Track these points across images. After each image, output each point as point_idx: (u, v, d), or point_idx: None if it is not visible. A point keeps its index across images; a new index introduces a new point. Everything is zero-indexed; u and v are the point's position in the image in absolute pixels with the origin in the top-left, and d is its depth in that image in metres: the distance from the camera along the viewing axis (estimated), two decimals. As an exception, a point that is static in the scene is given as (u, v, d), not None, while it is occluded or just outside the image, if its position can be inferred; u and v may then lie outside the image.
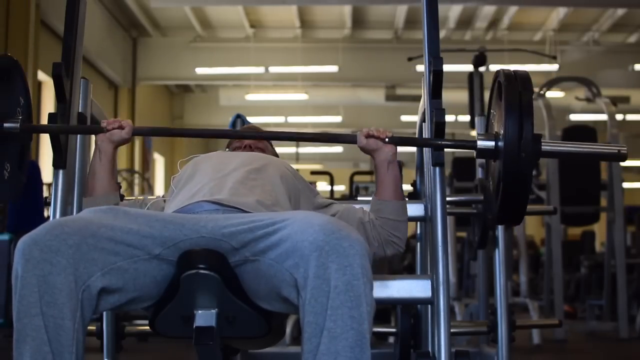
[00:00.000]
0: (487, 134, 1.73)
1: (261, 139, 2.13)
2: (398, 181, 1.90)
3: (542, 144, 1.63)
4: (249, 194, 1.71)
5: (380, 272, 2.68)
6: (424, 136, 1.98)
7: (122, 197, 2.02)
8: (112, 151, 1.88)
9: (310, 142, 2.06)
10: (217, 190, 1.72)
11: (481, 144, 1.70)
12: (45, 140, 8.04)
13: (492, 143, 1.69)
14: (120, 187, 2.08)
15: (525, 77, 1.65)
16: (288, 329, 4.11)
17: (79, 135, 1.98)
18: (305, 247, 1.38)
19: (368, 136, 1.84)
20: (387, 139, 1.84)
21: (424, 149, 1.98)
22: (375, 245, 1.88)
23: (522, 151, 1.58)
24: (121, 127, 1.84)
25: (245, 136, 2.12)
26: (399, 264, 7.39)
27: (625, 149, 1.71)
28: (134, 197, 1.99)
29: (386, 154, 1.85)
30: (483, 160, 2.87)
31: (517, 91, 1.61)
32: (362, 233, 1.86)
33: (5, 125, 1.75)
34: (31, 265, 1.36)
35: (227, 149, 2.19)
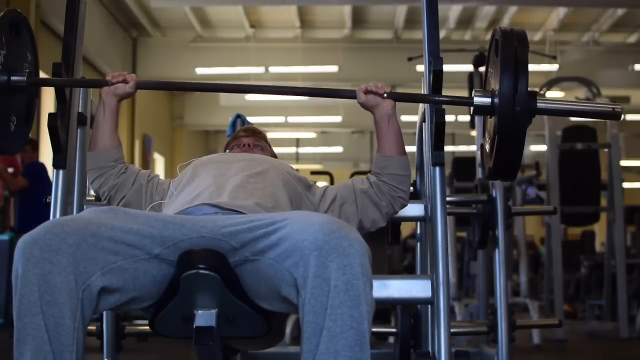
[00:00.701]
0: (484, 91, 1.74)
1: (266, 93, 2.09)
2: (399, 135, 1.91)
3: (538, 100, 1.64)
4: (248, 197, 1.71)
5: (380, 272, 2.69)
6: (424, 138, 1.98)
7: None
8: (116, 104, 1.92)
9: (309, 96, 2.07)
10: (216, 194, 1.71)
11: (477, 100, 1.70)
12: (45, 140, 8.03)
13: (489, 99, 1.69)
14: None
15: (521, 34, 1.65)
16: (288, 329, 4.11)
17: (79, 135, 1.98)
18: (305, 247, 1.38)
19: (367, 92, 1.86)
20: (385, 95, 1.86)
21: (424, 148, 1.98)
22: (384, 204, 1.90)
23: (516, 106, 1.59)
24: (125, 81, 1.90)
25: (251, 90, 2.11)
26: (399, 264, 7.39)
27: (620, 107, 1.73)
28: (145, 171, 2.00)
29: (385, 109, 1.87)
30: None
31: (512, 47, 1.61)
32: (368, 200, 1.89)
33: (13, 78, 1.77)
34: (31, 264, 1.36)
35: (226, 150, 2.18)
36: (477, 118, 2.97)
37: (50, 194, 1.89)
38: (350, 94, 1.90)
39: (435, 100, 1.81)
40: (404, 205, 1.95)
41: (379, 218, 1.91)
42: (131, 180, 1.94)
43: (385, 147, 1.91)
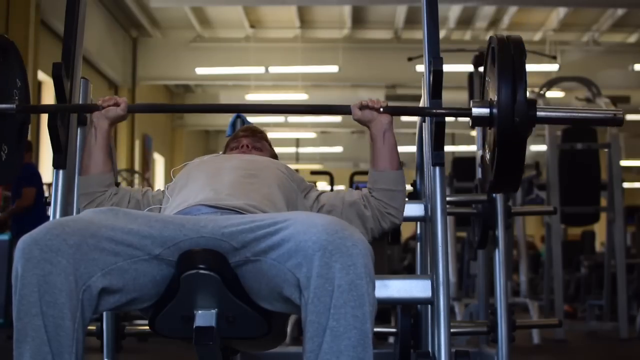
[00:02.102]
0: (482, 101, 1.71)
1: (257, 113, 2.15)
2: (394, 150, 1.88)
3: (537, 109, 1.61)
4: (245, 198, 1.71)
5: (380, 272, 2.68)
6: (424, 138, 1.97)
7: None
8: (108, 128, 1.88)
9: (305, 114, 2.05)
10: (213, 195, 1.71)
11: (476, 111, 1.68)
12: (45, 140, 8.04)
13: (487, 110, 1.66)
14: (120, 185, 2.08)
15: (518, 41, 1.62)
16: (288, 329, 4.11)
17: (79, 135, 1.98)
18: (309, 247, 1.38)
19: (362, 107, 1.84)
20: (381, 109, 1.83)
21: (424, 148, 1.98)
22: (369, 216, 1.87)
23: (516, 116, 1.55)
24: (117, 104, 1.86)
25: (247, 109, 2.10)
26: (399, 264, 7.39)
27: (621, 112, 1.70)
28: (137, 187, 2.00)
29: (382, 124, 1.84)
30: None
31: (509, 56, 1.59)
32: (354, 213, 1.87)
33: (2, 106, 1.76)
34: (31, 264, 1.35)
35: (225, 151, 2.18)
36: (478, 143, 2.93)
37: (43, 195, 1.89)
38: (345, 110, 1.86)
39: (433, 113, 1.79)
40: (394, 224, 1.90)
41: (362, 232, 1.82)
42: (126, 199, 1.93)
43: (378, 161, 1.88)
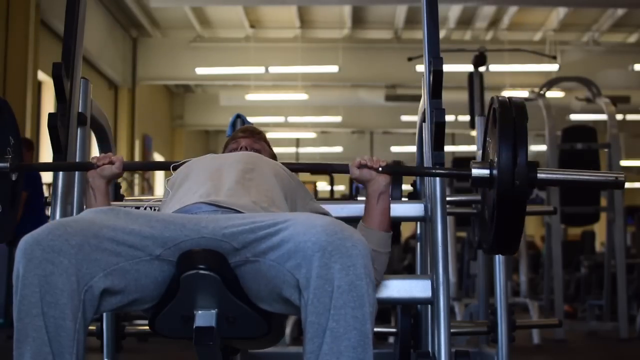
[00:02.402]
0: (482, 162, 1.69)
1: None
2: (387, 212, 1.82)
3: (538, 171, 1.59)
4: (245, 195, 1.70)
5: (380, 272, 2.68)
6: (424, 138, 1.97)
7: (122, 198, 2.02)
8: (105, 187, 1.87)
9: (304, 172, 2.03)
10: (213, 192, 1.71)
11: (476, 172, 1.66)
12: (45, 140, 8.04)
13: (487, 171, 1.64)
14: (120, 186, 2.08)
15: (520, 104, 1.61)
16: (288, 330, 4.11)
17: (79, 135, 1.98)
18: (308, 248, 1.38)
19: (361, 166, 1.80)
20: (380, 168, 1.79)
21: (424, 148, 1.98)
22: None
23: (516, 179, 1.54)
24: (111, 162, 1.85)
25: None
26: (399, 264, 7.39)
27: (622, 176, 1.67)
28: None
29: (379, 185, 1.79)
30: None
31: (511, 118, 1.57)
32: None
33: None
34: (33, 265, 1.35)
35: (224, 151, 2.18)
36: (478, 143, 2.90)
37: (42, 197, 1.89)
38: (343, 169, 1.84)
39: (433, 173, 1.78)
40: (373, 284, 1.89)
41: None
42: None
43: (369, 219, 1.83)
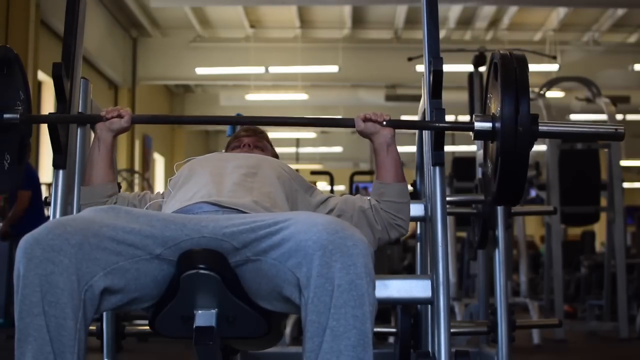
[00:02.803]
0: (484, 115, 1.72)
1: (260, 124, 2.14)
2: (398, 163, 1.91)
3: (540, 124, 1.62)
4: (247, 195, 1.71)
5: (380, 272, 2.68)
6: (424, 138, 1.98)
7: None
8: (111, 140, 1.89)
9: (309, 126, 2.08)
10: (215, 192, 1.71)
11: (478, 125, 1.69)
12: (45, 140, 8.03)
13: (489, 124, 1.68)
14: (120, 186, 2.08)
15: (521, 57, 1.64)
16: (288, 329, 4.11)
17: (79, 135, 1.98)
18: (309, 247, 1.38)
19: (365, 120, 1.86)
20: (384, 122, 1.85)
21: (424, 148, 1.99)
22: (379, 229, 1.89)
23: (518, 131, 1.57)
24: (120, 116, 1.87)
25: (245, 122, 2.13)
26: (399, 264, 7.39)
27: (622, 128, 1.71)
28: (136, 192, 2.00)
29: (385, 137, 1.87)
30: (482, 161, 2.87)
31: (512, 71, 1.60)
32: (364, 221, 1.88)
33: (5, 116, 1.77)
34: (33, 264, 1.35)
35: (224, 150, 2.18)
36: (478, 142, 2.94)
37: (41, 197, 1.90)
38: (349, 123, 1.89)
39: (436, 127, 1.80)
40: (402, 234, 1.93)
41: (370, 240, 1.88)
42: (124, 205, 1.94)
43: (383, 174, 1.91)
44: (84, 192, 1.92)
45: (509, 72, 1.61)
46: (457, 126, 1.80)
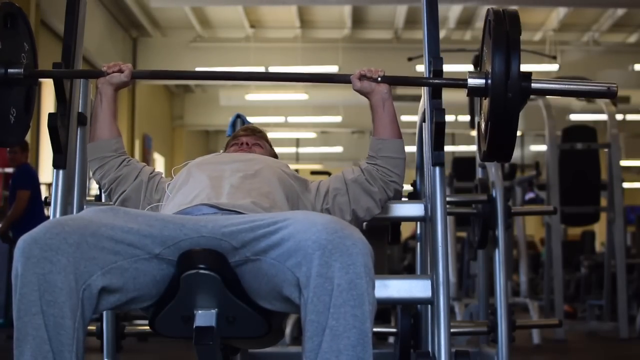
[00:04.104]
0: (478, 72, 1.75)
1: (263, 80, 2.17)
2: (395, 118, 1.94)
3: (532, 81, 1.65)
4: (245, 197, 1.71)
5: (380, 272, 2.68)
6: (424, 138, 1.98)
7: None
8: (112, 94, 1.93)
9: (306, 82, 2.12)
10: (214, 194, 1.71)
11: (472, 82, 1.72)
12: (45, 140, 8.03)
13: (482, 81, 1.70)
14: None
15: (513, 15, 1.66)
16: (288, 329, 4.11)
17: (79, 135, 1.98)
18: (308, 246, 1.38)
19: (361, 77, 1.88)
20: (379, 78, 1.88)
21: (424, 148, 1.99)
22: (376, 190, 1.91)
23: (509, 88, 1.59)
24: (121, 71, 1.91)
25: (251, 77, 2.13)
26: (399, 264, 7.39)
27: (615, 85, 1.72)
28: (150, 168, 2.02)
29: (381, 93, 1.90)
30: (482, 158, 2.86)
31: (504, 29, 1.62)
32: (360, 189, 1.91)
33: (10, 71, 1.78)
34: (31, 263, 1.36)
35: (222, 151, 2.18)
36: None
37: (40, 197, 1.90)
38: (345, 79, 1.91)
39: (430, 83, 1.84)
40: (397, 191, 1.95)
41: (372, 206, 1.92)
42: (133, 175, 1.96)
43: (380, 130, 1.93)
44: (89, 148, 1.97)
45: (501, 29, 1.62)
46: (452, 83, 1.83)
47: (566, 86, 1.78)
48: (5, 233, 5.56)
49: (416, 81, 2.05)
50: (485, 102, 1.74)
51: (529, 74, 1.63)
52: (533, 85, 1.65)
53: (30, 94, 1.92)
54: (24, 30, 1.87)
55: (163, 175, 2.01)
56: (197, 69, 11.47)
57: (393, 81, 1.92)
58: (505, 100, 1.60)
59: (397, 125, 1.94)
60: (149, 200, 1.94)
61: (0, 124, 1.77)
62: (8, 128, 1.81)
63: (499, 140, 1.67)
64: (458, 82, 1.78)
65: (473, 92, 1.72)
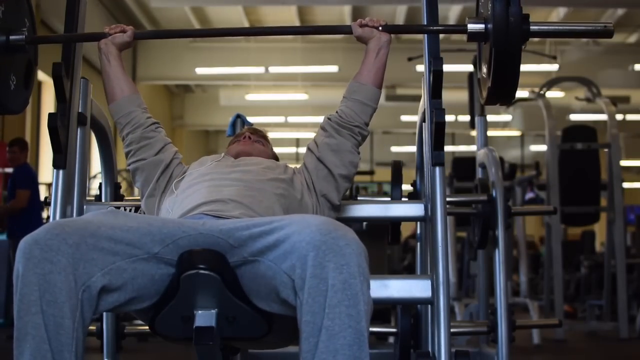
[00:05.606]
0: (477, 17, 1.78)
1: (263, 34, 2.15)
2: (383, 69, 1.95)
3: (531, 24, 1.67)
4: (246, 209, 1.70)
5: (380, 272, 2.68)
6: (424, 138, 1.98)
7: (122, 197, 2.02)
8: (117, 52, 1.96)
9: (307, 34, 2.16)
10: (214, 207, 1.70)
11: (471, 27, 1.75)
12: (45, 140, 8.04)
13: (482, 25, 1.73)
14: (120, 186, 2.08)
15: None
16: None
17: (79, 135, 1.98)
18: (303, 248, 1.39)
19: (362, 25, 1.90)
20: (380, 27, 1.90)
21: (424, 148, 1.99)
22: (344, 140, 1.92)
23: (510, 30, 1.62)
24: (123, 31, 1.93)
25: (250, 33, 2.13)
26: (399, 264, 7.39)
27: (611, 24, 1.75)
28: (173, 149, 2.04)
29: (379, 40, 1.92)
30: (483, 161, 2.87)
31: None
32: (327, 148, 1.92)
33: (12, 37, 1.81)
34: (32, 264, 1.36)
35: (223, 154, 2.17)
36: (477, 142, 2.95)
37: (39, 197, 1.90)
38: (346, 30, 1.93)
39: (430, 30, 1.88)
40: (364, 136, 1.95)
41: (350, 155, 1.92)
42: (157, 148, 2.00)
43: (364, 73, 1.95)
44: (111, 109, 1.98)
45: None
46: (452, 29, 1.86)
47: (564, 27, 1.83)
48: (1, 222, 5.60)
49: (417, 29, 2.09)
50: (486, 47, 1.76)
51: (527, 15, 1.66)
52: (532, 27, 1.68)
53: (30, 62, 1.95)
54: (23, 3, 1.90)
55: (180, 161, 2.02)
56: (198, 70, 11.48)
57: (394, 30, 1.94)
58: (506, 39, 1.62)
59: (382, 76, 1.96)
60: (164, 179, 1.95)
61: (1, 90, 1.78)
62: (8, 95, 1.83)
63: (502, 79, 1.68)
64: (458, 28, 1.81)
65: (473, 37, 1.75)
